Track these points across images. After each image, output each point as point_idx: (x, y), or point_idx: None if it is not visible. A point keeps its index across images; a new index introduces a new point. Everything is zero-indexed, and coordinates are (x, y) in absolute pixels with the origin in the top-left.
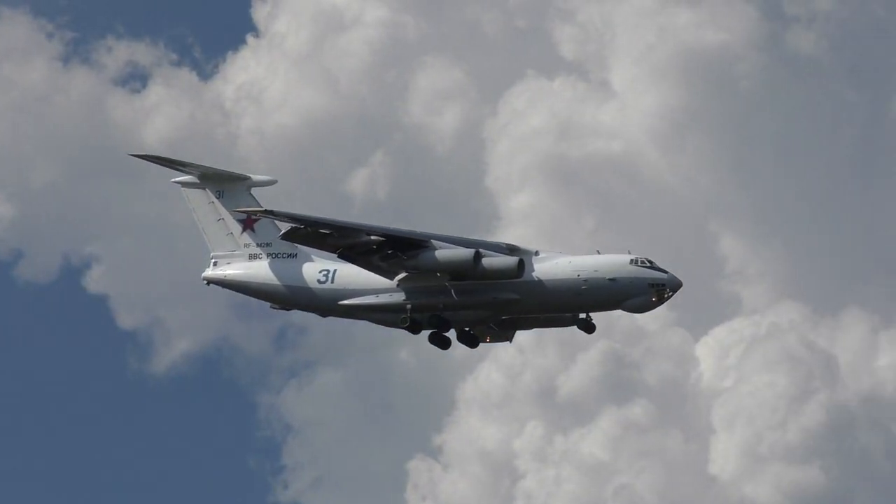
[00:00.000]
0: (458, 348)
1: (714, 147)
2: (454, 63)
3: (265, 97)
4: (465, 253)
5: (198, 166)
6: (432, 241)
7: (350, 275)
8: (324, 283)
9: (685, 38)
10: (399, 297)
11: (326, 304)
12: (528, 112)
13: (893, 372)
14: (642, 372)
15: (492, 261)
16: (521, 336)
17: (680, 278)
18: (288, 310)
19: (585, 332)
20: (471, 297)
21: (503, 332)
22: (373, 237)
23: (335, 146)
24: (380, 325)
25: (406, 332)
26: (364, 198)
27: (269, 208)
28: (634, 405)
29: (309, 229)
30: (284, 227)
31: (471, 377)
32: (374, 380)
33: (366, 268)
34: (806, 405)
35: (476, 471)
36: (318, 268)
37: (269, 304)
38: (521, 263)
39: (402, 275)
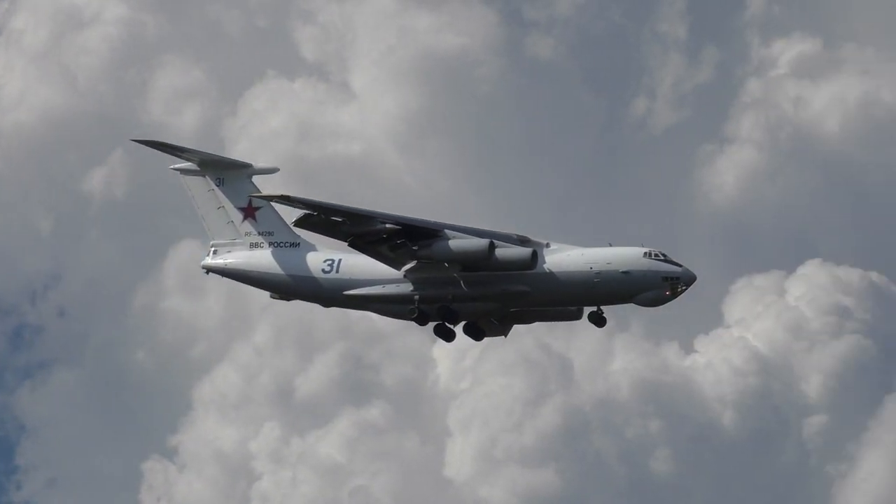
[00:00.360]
0: None
1: (453, 150)
2: (194, 62)
3: (2, 95)
4: (480, 243)
5: (199, 153)
6: (445, 230)
7: (356, 264)
8: (328, 272)
9: (425, 42)
10: (406, 287)
11: (331, 293)
12: (269, 112)
13: (627, 376)
14: (380, 374)
15: (505, 251)
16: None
17: (694, 272)
18: (288, 300)
19: (596, 325)
20: (481, 289)
21: (501, 327)
22: (387, 225)
23: (73, 144)
24: (386, 316)
25: (405, 322)
26: (102, 197)
27: (287, 194)
28: (372, 407)
29: (322, 216)
30: (295, 214)
31: (207, 378)
32: (110, 380)
33: (375, 257)
34: (541, 408)
35: (212, 472)
36: (323, 257)
37: (269, 293)
38: (534, 254)
39: (410, 265)
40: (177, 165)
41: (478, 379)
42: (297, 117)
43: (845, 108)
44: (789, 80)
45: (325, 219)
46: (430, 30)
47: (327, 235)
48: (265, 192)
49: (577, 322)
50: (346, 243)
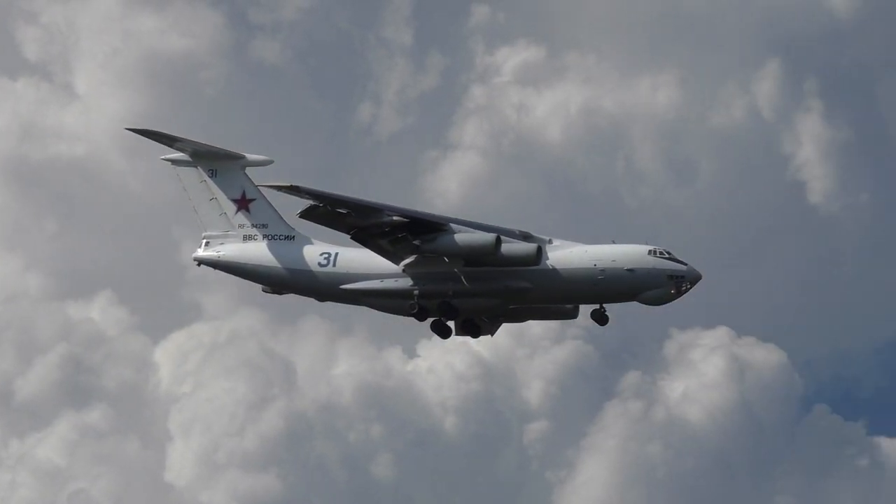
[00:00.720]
0: None
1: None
2: None
3: None
4: (487, 238)
5: (193, 143)
6: (450, 224)
7: (353, 258)
8: (325, 266)
9: (150, 43)
10: (405, 282)
11: (327, 287)
12: None
13: (350, 380)
14: (101, 377)
15: (511, 246)
16: None
17: (698, 270)
18: (280, 293)
19: (598, 323)
20: (482, 285)
21: (490, 325)
22: (394, 218)
23: None
24: (382, 311)
25: (401, 318)
26: None
27: (296, 184)
28: (92, 410)
29: (328, 208)
30: (296, 207)
31: None
32: None
33: (377, 251)
34: (263, 412)
35: None
36: (319, 251)
37: (261, 287)
38: (539, 250)
39: (409, 259)
40: (168, 156)
41: (200, 383)
42: (19, 117)
43: (567, 115)
44: (513, 87)
45: (330, 210)
46: (155, 31)
47: (331, 227)
48: (268, 182)
49: (302, 326)
50: (349, 236)
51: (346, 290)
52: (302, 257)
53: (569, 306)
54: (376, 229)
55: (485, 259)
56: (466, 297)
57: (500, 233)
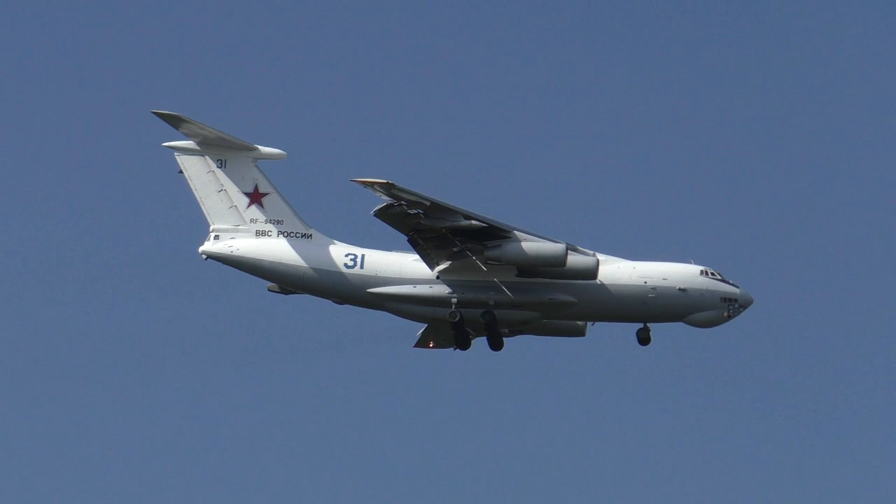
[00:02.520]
0: None
1: None
2: None
3: None
4: (557, 248)
5: (216, 132)
6: (514, 231)
7: (380, 261)
8: (352, 267)
9: None
10: (442, 289)
11: (354, 290)
12: None
13: None
14: None
15: (576, 259)
16: None
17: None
18: (287, 294)
19: (641, 343)
20: (526, 296)
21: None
22: (473, 222)
23: None
24: (407, 318)
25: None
26: None
27: (392, 182)
28: None
29: (403, 207)
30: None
31: None
32: None
33: (425, 254)
34: None
35: None
36: (343, 251)
37: (268, 285)
38: (598, 264)
39: (444, 265)
40: (172, 143)
41: None
42: None
43: None
44: None
45: (404, 211)
46: None
47: (395, 227)
48: (361, 178)
49: None
50: (407, 238)
51: (374, 293)
52: (329, 257)
53: (580, 323)
54: (437, 233)
55: (547, 269)
56: (506, 309)
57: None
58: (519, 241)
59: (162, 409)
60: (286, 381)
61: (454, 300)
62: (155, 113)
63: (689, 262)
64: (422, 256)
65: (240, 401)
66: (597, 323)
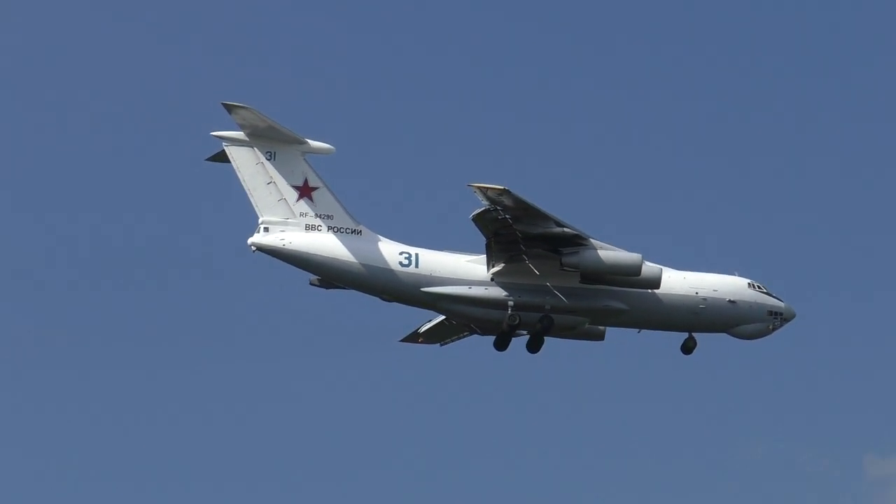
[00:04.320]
0: None
1: None
2: None
3: None
4: (633, 257)
5: (275, 124)
6: (590, 238)
7: (435, 261)
8: (406, 266)
9: None
10: (497, 291)
11: (407, 288)
12: None
13: None
14: None
15: (649, 269)
16: None
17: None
18: (328, 288)
19: (685, 353)
20: (581, 302)
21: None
22: (566, 230)
23: None
24: (456, 319)
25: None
26: None
27: (507, 188)
28: None
29: (500, 213)
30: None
31: None
32: None
33: (491, 257)
34: None
35: None
36: (398, 249)
37: (310, 279)
38: (661, 273)
39: (498, 267)
40: (222, 133)
41: None
42: None
43: None
44: None
45: (501, 217)
46: None
47: (486, 231)
48: (477, 182)
49: None
50: (489, 241)
51: (428, 293)
52: (381, 254)
53: (600, 328)
54: (520, 238)
55: (621, 279)
56: (560, 314)
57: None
58: (595, 248)
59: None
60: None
61: (511, 303)
62: (224, 104)
63: (735, 274)
64: (489, 259)
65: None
66: (643, 330)
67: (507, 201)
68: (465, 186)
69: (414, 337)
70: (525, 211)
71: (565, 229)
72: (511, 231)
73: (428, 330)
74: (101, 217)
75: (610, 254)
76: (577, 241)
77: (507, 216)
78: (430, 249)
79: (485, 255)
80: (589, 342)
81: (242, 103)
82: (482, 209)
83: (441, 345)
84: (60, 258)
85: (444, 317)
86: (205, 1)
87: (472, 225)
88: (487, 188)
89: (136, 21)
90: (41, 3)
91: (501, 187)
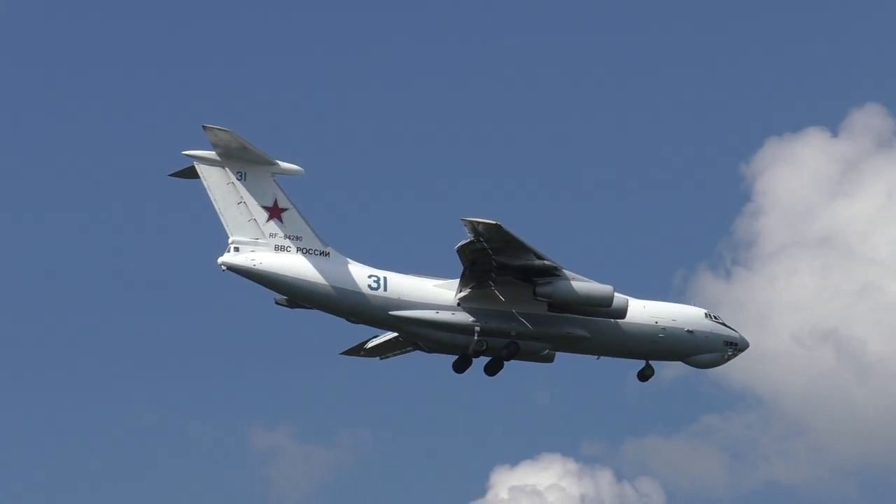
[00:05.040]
0: None
1: None
2: None
3: None
4: (605, 289)
5: (252, 147)
6: (562, 269)
7: (403, 284)
8: (375, 289)
9: None
10: (464, 317)
11: (376, 311)
12: None
13: None
14: None
15: (619, 300)
16: None
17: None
18: (293, 307)
19: (642, 380)
20: (545, 328)
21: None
22: (546, 262)
23: None
24: (422, 342)
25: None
26: None
27: (498, 223)
28: None
29: (483, 244)
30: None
31: None
32: None
33: (471, 286)
34: None
35: None
36: (366, 272)
37: (276, 298)
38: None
39: (464, 293)
40: (192, 152)
41: None
42: None
43: None
44: None
45: (483, 249)
46: None
47: (465, 260)
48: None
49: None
50: (465, 270)
51: (396, 316)
52: (351, 277)
53: (547, 351)
54: (495, 267)
55: (592, 309)
56: (524, 340)
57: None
58: (569, 280)
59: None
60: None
61: (477, 328)
62: (205, 127)
63: (692, 304)
64: (461, 285)
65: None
66: (602, 357)
67: (496, 235)
68: (458, 219)
69: (356, 350)
70: (508, 244)
71: (545, 262)
72: (488, 260)
73: (375, 346)
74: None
75: (582, 285)
76: (551, 272)
77: (489, 248)
78: (397, 273)
79: (450, 281)
80: (540, 364)
81: (222, 126)
82: (468, 241)
83: (381, 358)
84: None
85: (394, 334)
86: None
87: (436, 248)
88: (479, 223)
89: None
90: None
91: (494, 222)
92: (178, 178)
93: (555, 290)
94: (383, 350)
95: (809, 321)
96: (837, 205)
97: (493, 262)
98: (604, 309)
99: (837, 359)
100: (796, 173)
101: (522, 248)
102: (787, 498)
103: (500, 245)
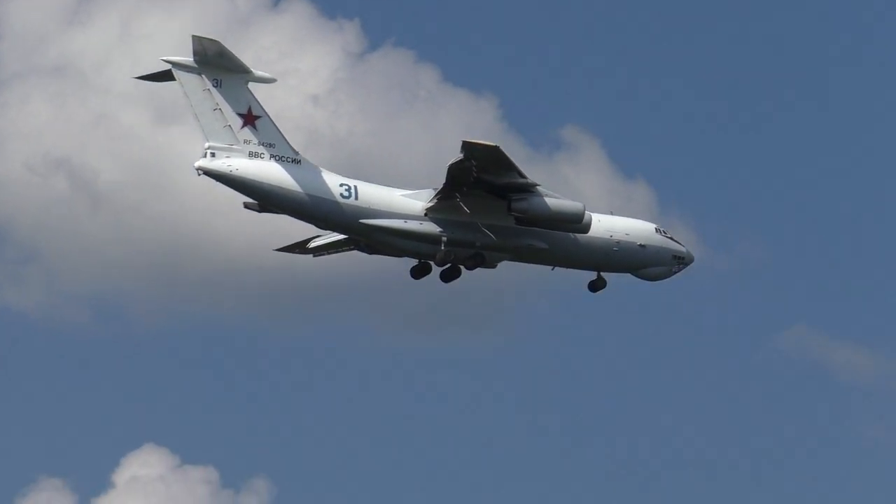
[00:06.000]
0: None
1: None
2: None
3: None
4: (577, 206)
5: (231, 53)
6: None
7: (373, 194)
8: (347, 198)
9: None
10: (432, 227)
11: (348, 220)
12: None
13: None
14: None
15: (587, 216)
16: None
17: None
18: (261, 212)
19: (593, 290)
20: (507, 240)
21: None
22: (528, 180)
23: None
24: (387, 252)
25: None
26: None
27: (497, 144)
28: None
29: (471, 163)
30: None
31: None
32: None
33: (440, 199)
34: None
35: None
36: (338, 181)
37: (244, 202)
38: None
39: (430, 204)
40: (171, 58)
41: None
42: None
43: None
44: None
45: (470, 167)
46: None
47: (448, 176)
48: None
49: None
50: (445, 186)
51: (365, 224)
52: (325, 185)
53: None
54: (478, 183)
55: (562, 224)
56: (488, 250)
57: None
58: (542, 196)
59: None
60: None
61: (444, 239)
62: (194, 36)
63: (642, 220)
64: (435, 197)
65: None
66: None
67: (491, 156)
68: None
69: (293, 248)
70: (497, 163)
71: (527, 180)
72: (468, 176)
73: (319, 246)
74: None
75: (556, 202)
76: (527, 189)
77: (476, 166)
78: (369, 182)
79: (417, 191)
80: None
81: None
82: (458, 159)
83: (314, 256)
84: None
85: (340, 235)
86: None
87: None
88: (480, 144)
89: None
90: None
91: (493, 144)
92: (145, 81)
93: (530, 205)
94: (325, 249)
95: (43, 149)
96: (73, 33)
97: (471, 178)
98: (573, 224)
99: (71, 187)
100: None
101: (510, 168)
102: (19, 321)
103: (489, 164)
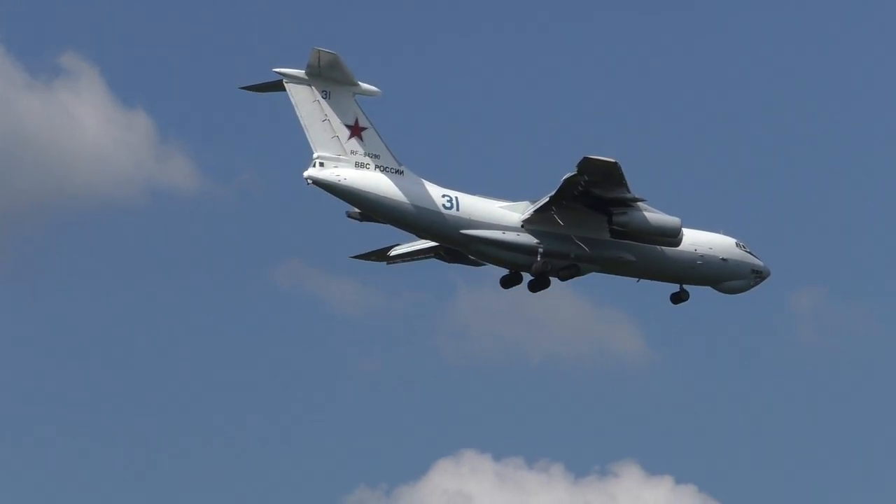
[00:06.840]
0: None
1: None
2: None
3: None
4: (674, 221)
5: (344, 66)
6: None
7: (473, 205)
8: (449, 208)
9: None
10: (528, 238)
11: (449, 230)
12: None
13: None
14: None
15: (682, 232)
16: None
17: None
18: (362, 221)
19: (675, 302)
20: (600, 252)
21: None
22: (636, 196)
23: None
24: (485, 261)
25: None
26: None
27: (616, 161)
28: None
29: (584, 179)
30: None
31: None
32: None
33: (538, 211)
34: None
35: None
36: (440, 192)
37: (347, 212)
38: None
39: (527, 215)
40: (283, 69)
41: None
42: None
43: None
44: None
45: (580, 180)
46: None
47: (560, 193)
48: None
49: None
50: (551, 197)
51: (466, 235)
52: (429, 196)
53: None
54: (580, 199)
55: (659, 239)
56: (581, 262)
57: None
58: (642, 210)
59: None
60: None
61: (540, 250)
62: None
63: (720, 233)
64: (537, 209)
65: None
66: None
67: (606, 171)
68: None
69: (370, 255)
70: (610, 178)
71: (635, 196)
72: (574, 190)
73: (399, 254)
74: None
75: (655, 216)
76: (629, 203)
77: (586, 179)
78: (468, 194)
79: (513, 203)
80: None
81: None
82: (573, 174)
83: (388, 263)
84: None
85: (423, 244)
86: None
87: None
88: (600, 161)
89: None
90: None
91: (613, 160)
92: (249, 92)
93: (631, 219)
94: (405, 257)
95: None
96: None
97: (577, 191)
98: (668, 238)
99: None
100: None
101: (621, 184)
102: None
103: (601, 180)
